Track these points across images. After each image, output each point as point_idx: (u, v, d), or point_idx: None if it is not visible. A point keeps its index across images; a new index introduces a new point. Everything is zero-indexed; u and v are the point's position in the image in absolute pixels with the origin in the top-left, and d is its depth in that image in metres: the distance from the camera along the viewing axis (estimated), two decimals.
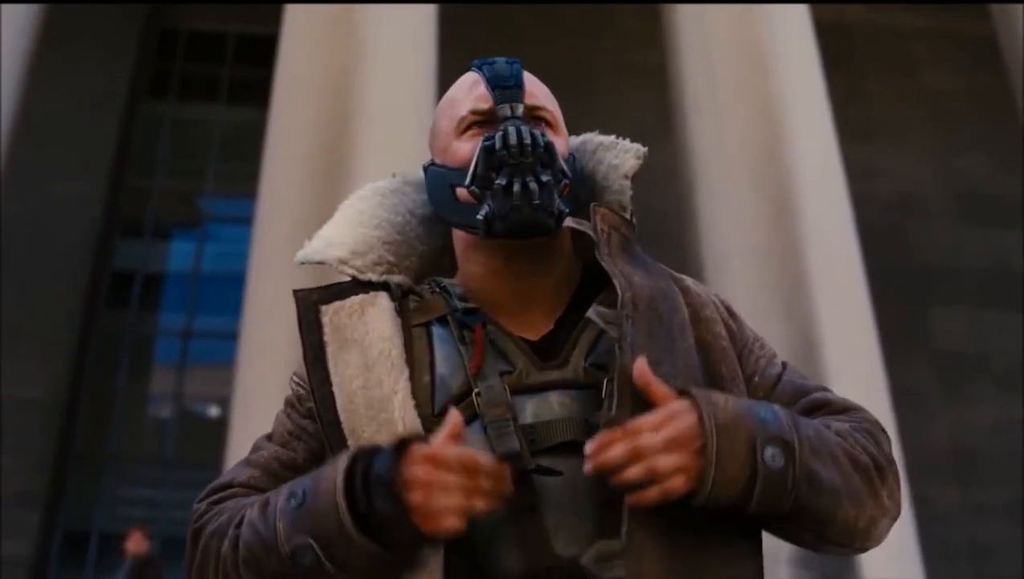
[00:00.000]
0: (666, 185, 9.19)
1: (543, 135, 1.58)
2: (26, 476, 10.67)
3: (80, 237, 12.03)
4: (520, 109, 1.61)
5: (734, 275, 7.14)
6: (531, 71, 1.76)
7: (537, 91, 1.67)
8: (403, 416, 1.48)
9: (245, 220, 9.52)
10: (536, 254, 1.62)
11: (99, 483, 12.10)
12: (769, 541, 1.48)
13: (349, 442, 1.49)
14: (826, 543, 1.46)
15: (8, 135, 8.24)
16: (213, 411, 12.57)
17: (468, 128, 1.64)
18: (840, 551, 1.51)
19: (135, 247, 13.34)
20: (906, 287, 12.01)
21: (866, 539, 1.47)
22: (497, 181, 1.54)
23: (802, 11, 8.81)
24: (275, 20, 8.53)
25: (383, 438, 1.45)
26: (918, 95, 14.11)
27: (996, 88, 12.47)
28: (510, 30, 12.72)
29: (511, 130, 1.56)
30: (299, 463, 1.58)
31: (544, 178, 1.54)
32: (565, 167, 1.59)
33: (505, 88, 1.63)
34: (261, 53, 11.77)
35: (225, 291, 11.73)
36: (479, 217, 1.56)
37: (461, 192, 1.60)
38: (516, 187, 1.53)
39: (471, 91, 1.67)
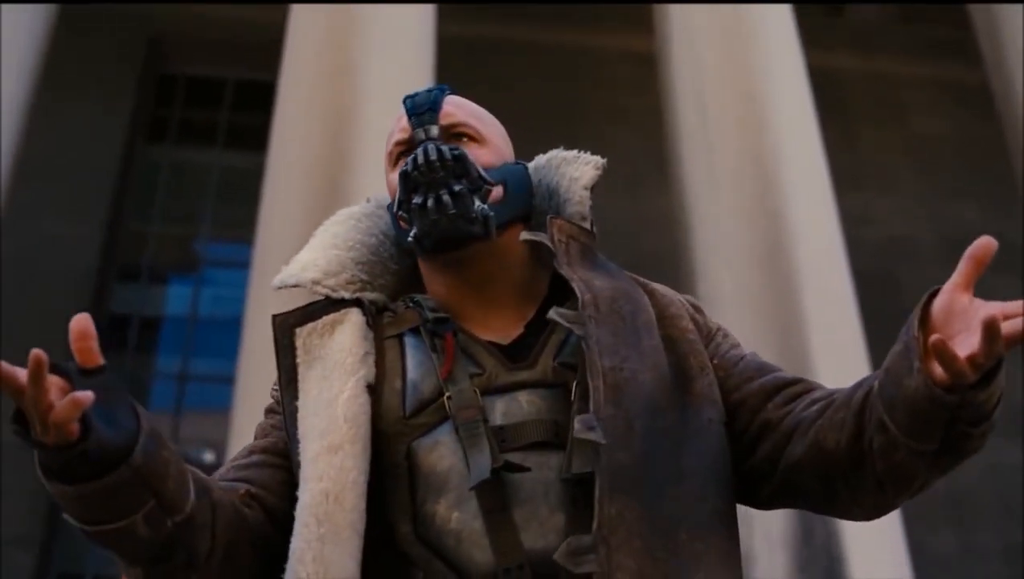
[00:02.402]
0: (660, 228, 9.25)
1: (453, 148, 1.64)
2: (21, 518, 10.62)
3: (77, 280, 12.03)
4: (434, 131, 1.68)
5: (728, 318, 7.14)
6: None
7: (457, 111, 1.74)
8: (345, 410, 1.53)
9: (242, 264, 9.54)
10: (482, 262, 1.67)
11: None
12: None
13: (302, 445, 1.55)
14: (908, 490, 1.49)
15: (5, 177, 8.28)
16: (208, 456, 12.52)
17: (397, 160, 1.73)
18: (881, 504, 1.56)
19: (132, 290, 13.34)
20: (898, 333, 12.01)
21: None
22: (414, 201, 1.62)
23: (796, 56, 8.89)
24: (273, 66, 8.60)
25: (325, 431, 1.51)
26: (909, 141, 14.20)
27: (985, 134, 12.57)
28: (503, 76, 12.82)
29: (419, 151, 1.63)
30: (279, 447, 1.65)
31: (456, 188, 1.61)
32: (484, 174, 1.65)
33: (419, 115, 1.70)
34: (259, 98, 11.85)
35: (222, 336, 11.73)
36: (409, 239, 1.64)
37: (400, 218, 1.69)
38: (430, 202, 1.60)
39: (397, 124, 1.76)
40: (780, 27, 9.04)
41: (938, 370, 1.31)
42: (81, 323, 1.30)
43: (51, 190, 11.96)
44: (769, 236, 7.69)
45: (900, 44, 14.74)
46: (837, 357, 7.12)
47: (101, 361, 1.32)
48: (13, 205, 8.76)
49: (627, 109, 13.03)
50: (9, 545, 10.51)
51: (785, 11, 9.20)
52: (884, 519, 6.36)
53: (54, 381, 1.27)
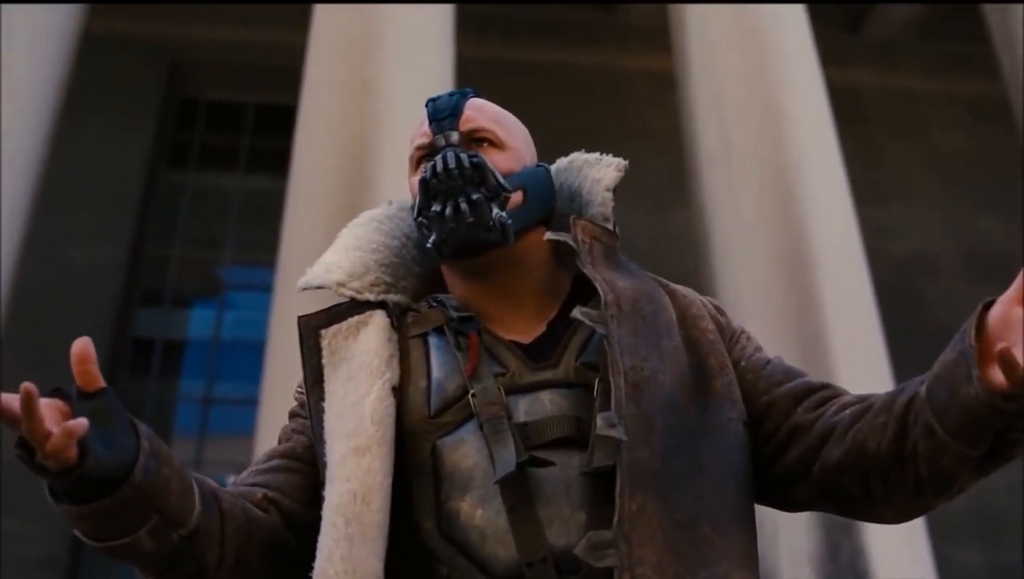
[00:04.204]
0: (680, 245, 9.24)
1: (472, 155, 1.65)
2: (47, 541, 10.66)
3: (100, 305, 12.09)
4: (454, 137, 1.70)
5: (750, 331, 7.14)
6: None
7: (478, 115, 1.76)
8: (372, 412, 1.56)
9: (264, 288, 9.57)
10: (502, 267, 1.69)
11: None
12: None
13: (327, 444, 1.58)
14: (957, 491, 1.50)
15: (28, 203, 8.33)
16: (232, 480, 12.52)
17: (419, 164, 1.75)
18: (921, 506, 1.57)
19: (155, 315, 13.38)
20: (920, 345, 11.97)
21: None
22: (433, 208, 1.64)
23: (815, 69, 8.89)
24: (293, 89, 8.65)
25: (352, 433, 1.54)
26: (929, 155, 14.17)
27: (1005, 149, 12.55)
28: (521, 96, 12.85)
29: (438, 159, 1.65)
30: (298, 452, 1.70)
31: (474, 196, 1.62)
32: (502, 181, 1.67)
33: (440, 120, 1.72)
34: (279, 122, 11.92)
35: (245, 359, 11.76)
36: (428, 245, 1.66)
37: (420, 225, 1.70)
38: (448, 210, 1.62)
39: (419, 128, 1.77)
40: (798, 40, 9.04)
41: (998, 378, 1.32)
42: (81, 347, 1.35)
43: (74, 215, 12.04)
44: (790, 249, 7.69)
45: (918, 59, 14.74)
46: (859, 369, 7.10)
47: (101, 384, 1.37)
48: (36, 231, 8.81)
49: (645, 127, 13.03)
50: (36, 567, 10.55)
51: (802, 21, 9.19)
52: (910, 536, 6.30)
53: (56, 405, 1.32)
